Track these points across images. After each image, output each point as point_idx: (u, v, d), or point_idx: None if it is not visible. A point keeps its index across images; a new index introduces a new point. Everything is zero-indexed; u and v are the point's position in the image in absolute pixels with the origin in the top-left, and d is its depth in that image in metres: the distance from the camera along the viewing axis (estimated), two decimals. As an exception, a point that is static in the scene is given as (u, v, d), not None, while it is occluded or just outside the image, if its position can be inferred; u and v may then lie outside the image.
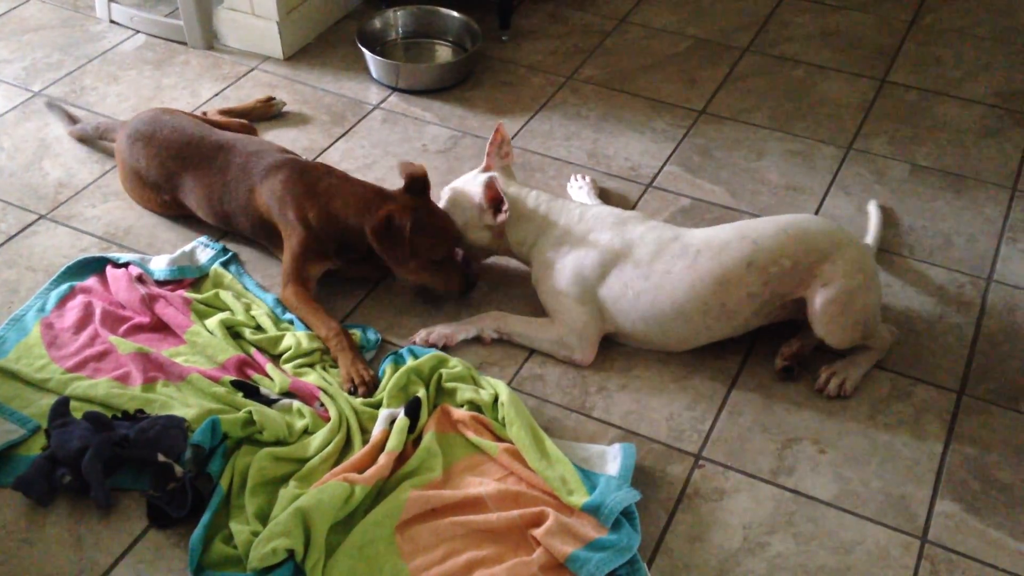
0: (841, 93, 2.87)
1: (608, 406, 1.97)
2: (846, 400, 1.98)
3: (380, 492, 1.76)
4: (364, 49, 2.82)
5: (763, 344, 2.09)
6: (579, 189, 2.43)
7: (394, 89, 2.83)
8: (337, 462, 1.81)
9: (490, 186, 2.05)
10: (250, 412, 1.83)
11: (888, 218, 2.39)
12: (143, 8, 3.09)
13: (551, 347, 2.04)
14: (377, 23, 2.96)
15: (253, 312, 2.10)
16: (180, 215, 2.35)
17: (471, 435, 1.85)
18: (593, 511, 1.71)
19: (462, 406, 1.91)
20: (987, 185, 2.55)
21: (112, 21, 3.08)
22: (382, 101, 2.79)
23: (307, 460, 1.80)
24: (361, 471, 1.76)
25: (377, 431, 1.83)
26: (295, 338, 2.03)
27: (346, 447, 1.85)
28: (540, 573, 1.63)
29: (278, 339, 2.04)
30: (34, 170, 2.51)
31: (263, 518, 1.70)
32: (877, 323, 2.00)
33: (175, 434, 1.77)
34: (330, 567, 1.63)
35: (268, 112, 2.69)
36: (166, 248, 2.28)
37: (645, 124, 2.73)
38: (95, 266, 2.19)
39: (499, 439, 1.86)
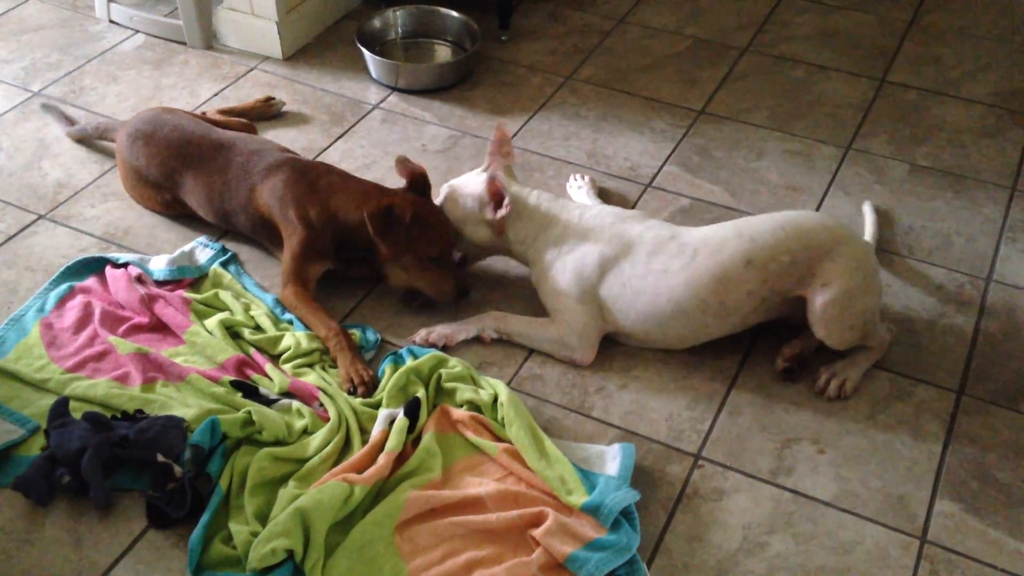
0: (840, 93, 2.87)
1: (607, 406, 1.97)
2: (846, 400, 1.98)
3: (379, 492, 1.76)
4: (363, 49, 2.82)
5: (762, 344, 2.09)
6: (578, 189, 2.43)
7: (393, 89, 2.83)
8: (336, 462, 1.81)
9: (493, 181, 2.05)
10: (249, 412, 1.83)
11: (883, 219, 2.39)
12: (142, 8, 3.09)
13: (551, 347, 2.04)
14: (376, 23, 2.96)
15: (252, 312, 2.10)
16: (180, 214, 2.35)
17: (470, 435, 1.85)
18: (592, 511, 1.71)
19: (461, 406, 1.91)
20: (986, 185, 2.55)
21: (111, 21, 3.08)
22: (381, 101, 2.79)
23: (306, 460, 1.80)
24: (360, 471, 1.76)
25: (376, 431, 1.83)
26: (294, 338, 2.03)
27: (345, 447, 1.85)
28: (539, 573, 1.63)
29: (277, 339, 2.04)
30: (33, 170, 2.51)
31: (262, 518, 1.70)
32: (877, 323, 2.00)
33: (174, 434, 1.77)
34: (329, 567, 1.63)
35: (268, 112, 2.69)
36: (165, 248, 2.28)
37: (644, 124, 2.73)
38: (94, 266, 2.19)
39: (498, 439, 1.86)
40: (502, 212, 2.05)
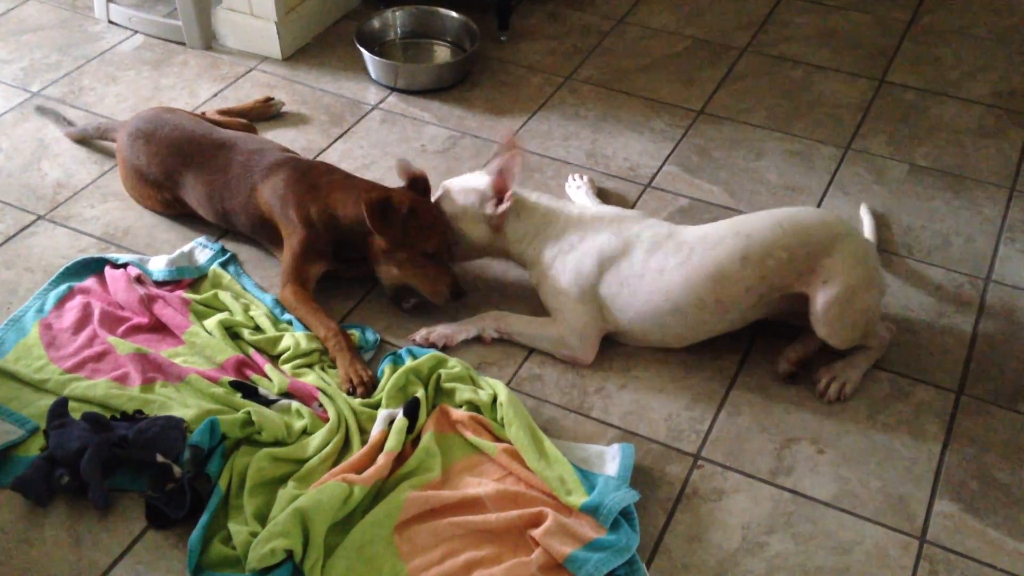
0: (840, 93, 2.87)
1: (607, 406, 1.97)
2: (845, 402, 1.98)
3: (379, 492, 1.76)
4: (363, 49, 2.82)
5: (762, 344, 2.09)
6: (577, 189, 2.43)
7: (393, 89, 2.83)
8: (336, 462, 1.81)
9: (504, 172, 2.03)
10: (249, 413, 1.83)
11: (880, 222, 2.39)
12: (141, 8, 3.09)
13: (552, 346, 2.04)
14: (376, 23, 2.96)
15: (252, 312, 2.10)
16: (180, 214, 2.35)
17: (470, 435, 1.85)
18: (592, 511, 1.71)
19: (461, 406, 1.91)
20: (985, 185, 2.55)
21: (110, 21, 3.08)
22: (381, 101, 2.79)
23: (306, 460, 1.80)
24: (360, 471, 1.76)
25: (376, 431, 1.83)
26: (294, 339, 2.03)
27: (345, 447, 1.85)
28: (539, 573, 1.63)
29: (277, 339, 2.04)
30: (32, 171, 2.51)
31: (262, 518, 1.70)
32: (878, 321, 2.00)
33: (174, 435, 1.76)
34: (329, 567, 1.63)
35: (267, 112, 2.69)
36: (165, 248, 2.28)
37: (644, 124, 2.73)
38: (94, 267, 2.19)
39: (498, 439, 1.86)
40: (504, 206, 2.04)
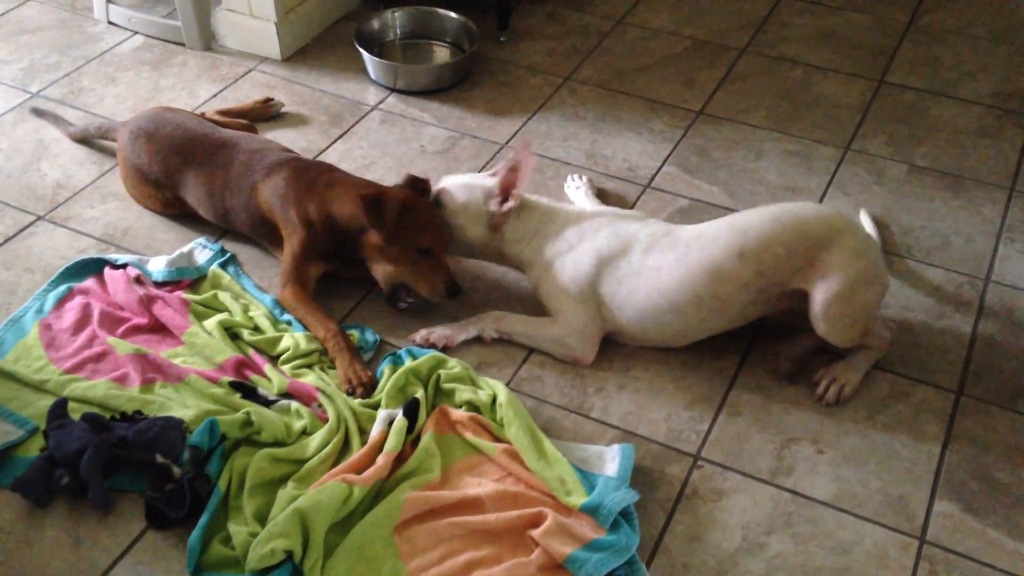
0: (839, 94, 2.87)
1: (606, 407, 1.97)
2: (844, 404, 1.98)
3: (378, 493, 1.76)
4: (362, 50, 2.82)
5: (762, 344, 2.09)
6: (576, 189, 2.43)
7: (392, 90, 2.83)
8: (335, 463, 1.81)
9: (514, 171, 2.02)
10: (248, 413, 1.83)
11: (879, 223, 2.39)
12: (141, 9, 3.09)
13: (552, 347, 2.04)
14: (375, 24, 2.96)
15: (251, 313, 2.10)
16: (180, 214, 2.35)
17: (469, 436, 1.85)
18: (591, 511, 1.71)
19: (460, 407, 1.91)
20: (985, 185, 2.55)
21: (110, 22, 3.08)
22: (380, 102, 2.79)
23: (305, 461, 1.80)
24: (359, 472, 1.76)
25: (375, 432, 1.83)
26: (293, 339, 2.03)
27: (344, 448, 1.84)
28: (538, 573, 1.63)
29: (276, 340, 2.04)
30: (32, 171, 2.51)
31: (261, 519, 1.70)
32: (878, 317, 1.98)
33: (173, 435, 1.76)
34: (328, 568, 1.63)
35: (267, 113, 2.69)
36: (164, 249, 2.28)
37: (643, 125, 2.73)
38: (93, 267, 2.19)
39: (497, 440, 1.86)
40: (509, 205, 2.03)
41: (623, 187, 2.51)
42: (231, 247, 2.29)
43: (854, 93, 2.87)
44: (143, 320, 2.06)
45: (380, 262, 2.07)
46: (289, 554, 1.62)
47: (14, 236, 2.32)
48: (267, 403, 1.90)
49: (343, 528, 1.69)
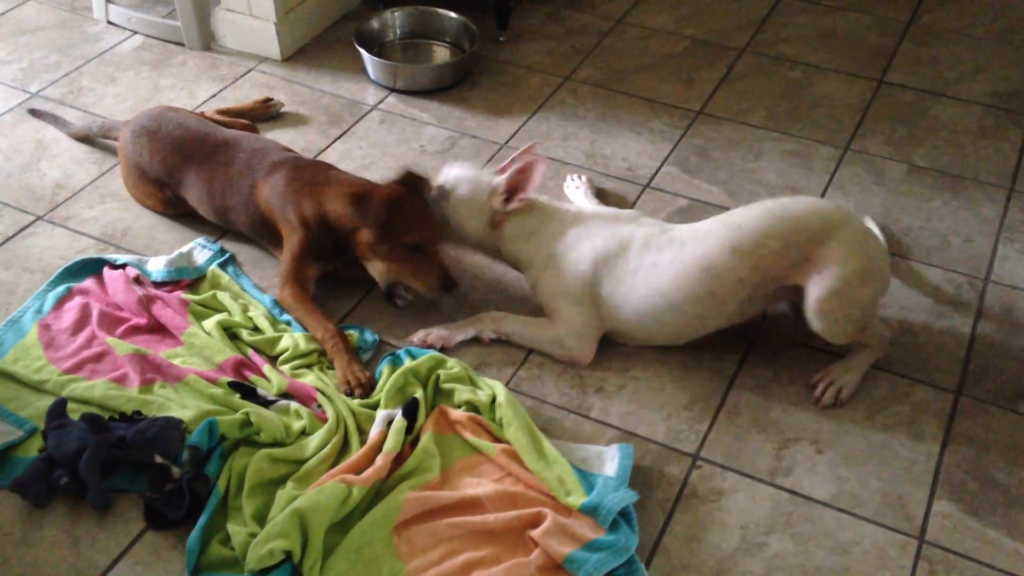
0: (838, 93, 2.87)
1: (606, 407, 1.97)
2: (842, 406, 1.98)
3: (378, 493, 1.76)
4: (362, 50, 2.82)
5: (761, 345, 2.09)
6: (576, 189, 2.43)
7: (392, 90, 2.83)
8: (335, 463, 1.81)
9: (524, 173, 1.99)
10: (247, 413, 1.83)
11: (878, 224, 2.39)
12: (140, 9, 3.09)
13: (550, 347, 2.04)
14: (375, 24, 2.96)
15: (251, 313, 2.10)
16: (179, 214, 2.35)
17: (469, 436, 1.85)
18: (591, 512, 1.71)
19: (460, 407, 1.91)
20: (984, 185, 2.55)
21: (109, 22, 3.08)
22: (380, 102, 2.79)
23: (305, 461, 1.80)
24: (359, 472, 1.76)
25: (375, 432, 1.83)
26: (293, 339, 2.03)
27: (344, 448, 1.84)
28: (538, 574, 1.63)
29: (276, 340, 2.04)
30: (31, 171, 2.51)
31: (260, 519, 1.70)
32: (877, 316, 1.97)
33: (172, 435, 1.76)
34: (327, 568, 1.63)
35: (266, 113, 2.69)
36: (163, 249, 2.28)
37: (643, 124, 2.73)
38: (92, 267, 2.19)
39: (497, 440, 1.86)
40: (514, 205, 2.02)
41: (622, 187, 2.51)
42: (230, 247, 2.29)
43: (854, 93, 2.87)
44: (142, 320, 2.06)
45: (374, 260, 2.06)
46: (288, 554, 1.62)
47: (13, 236, 2.32)
48: (266, 403, 1.90)
49: (342, 528, 1.69)
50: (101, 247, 2.29)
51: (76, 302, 2.10)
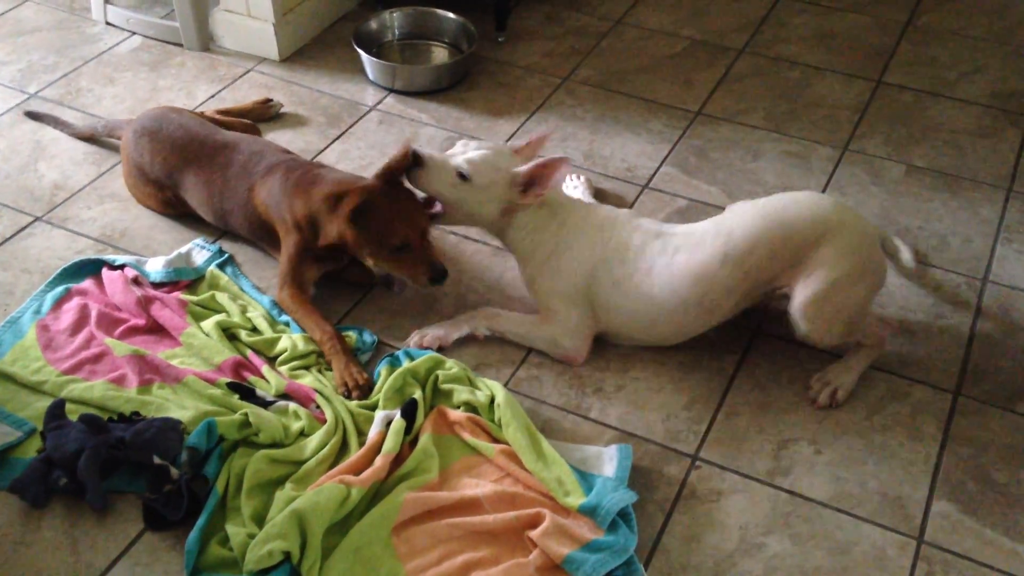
0: (837, 94, 2.87)
1: (605, 407, 1.97)
2: (839, 407, 1.98)
3: (376, 494, 1.76)
4: (360, 51, 2.82)
5: (760, 345, 2.09)
6: (574, 189, 2.43)
7: (390, 90, 2.83)
8: (333, 464, 1.80)
9: (544, 169, 1.93)
10: (246, 414, 1.83)
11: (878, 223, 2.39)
12: (139, 10, 3.09)
13: (544, 345, 2.04)
14: (373, 24, 2.96)
15: (249, 314, 2.10)
16: (178, 214, 2.35)
17: (467, 436, 1.85)
18: (590, 512, 1.71)
19: (458, 407, 1.91)
20: (983, 186, 2.55)
21: (108, 23, 3.08)
22: (378, 103, 2.79)
23: (303, 462, 1.80)
24: (357, 473, 1.76)
25: (373, 433, 1.83)
26: (291, 340, 2.03)
27: (342, 449, 1.84)
28: (537, 574, 1.63)
29: (274, 341, 2.04)
30: (30, 172, 2.51)
31: (259, 520, 1.70)
32: (865, 317, 1.96)
33: (171, 436, 1.76)
34: (326, 569, 1.63)
35: (266, 113, 2.69)
36: (162, 250, 2.28)
37: (641, 125, 2.73)
38: (91, 268, 2.19)
39: (495, 440, 1.86)
40: (530, 199, 1.96)
41: (621, 187, 2.51)
42: (229, 248, 2.29)
43: (852, 93, 2.87)
44: (141, 321, 2.06)
45: (364, 256, 2.06)
46: (287, 555, 1.62)
47: (12, 237, 2.31)
48: (265, 404, 1.90)
49: (341, 529, 1.69)
50: (99, 248, 2.29)
51: (74, 303, 2.10)
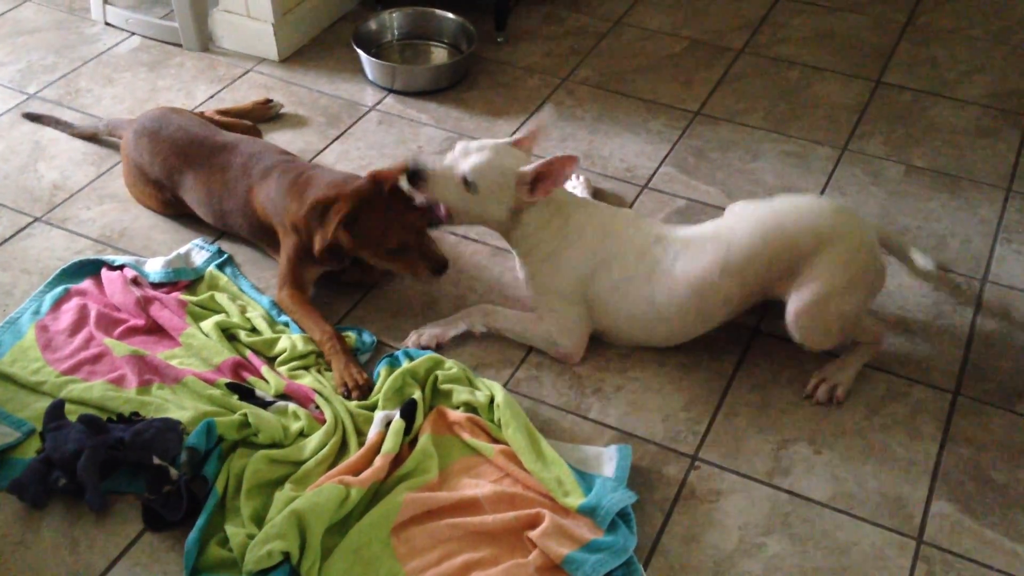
0: (836, 94, 2.87)
1: (604, 407, 1.97)
2: (839, 405, 1.98)
3: (376, 494, 1.76)
4: (360, 51, 2.82)
5: (760, 345, 2.09)
6: (573, 189, 2.43)
7: (390, 91, 2.83)
8: (333, 464, 1.80)
9: (552, 167, 1.91)
10: (245, 415, 1.83)
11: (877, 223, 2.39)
12: (138, 10, 3.09)
13: (540, 343, 2.04)
14: (373, 25, 2.96)
15: (249, 314, 2.10)
16: (178, 215, 2.35)
17: (467, 437, 1.85)
18: (589, 512, 1.71)
19: (458, 408, 1.91)
20: (982, 186, 2.55)
21: (107, 23, 3.08)
22: (378, 103, 2.79)
23: (303, 462, 1.80)
24: (357, 473, 1.76)
25: (373, 433, 1.83)
26: (291, 340, 2.03)
27: (342, 449, 1.84)
28: (536, 574, 1.63)
29: (273, 341, 2.04)
30: (29, 172, 2.51)
31: (259, 521, 1.70)
32: (860, 322, 1.96)
33: (170, 437, 1.76)
34: (326, 569, 1.63)
35: (266, 114, 2.69)
36: (161, 250, 2.28)
37: (641, 125, 2.73)
38: (90, 268, 2.19)
39: (495, 441, 1.86)
40: (538, 196, 1.94)
41: (620, 187, 2.51)
42: (228, 248, 2.29)
43: (851, 93, 2.87)
44: (140, 321, 2.06)
45: (362, 257, 2.05)
46: (286, 556, 1.62)
47: (11, 237, 2.31)
48: (264, 404, 1.90)
49: (340, 530, 1.69)
50: (99, 248, 2.29)
51: (74, 303, 2.10)
